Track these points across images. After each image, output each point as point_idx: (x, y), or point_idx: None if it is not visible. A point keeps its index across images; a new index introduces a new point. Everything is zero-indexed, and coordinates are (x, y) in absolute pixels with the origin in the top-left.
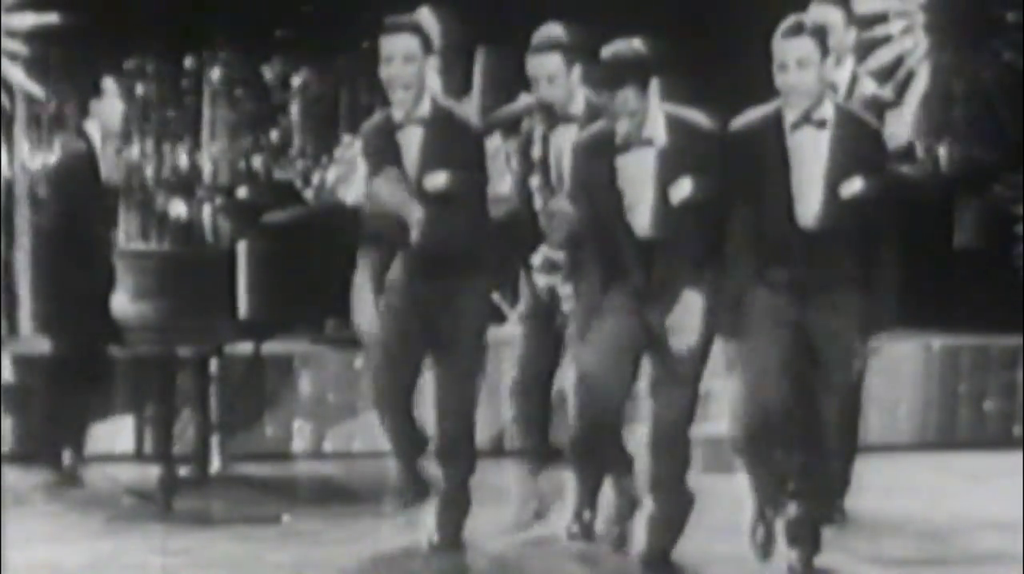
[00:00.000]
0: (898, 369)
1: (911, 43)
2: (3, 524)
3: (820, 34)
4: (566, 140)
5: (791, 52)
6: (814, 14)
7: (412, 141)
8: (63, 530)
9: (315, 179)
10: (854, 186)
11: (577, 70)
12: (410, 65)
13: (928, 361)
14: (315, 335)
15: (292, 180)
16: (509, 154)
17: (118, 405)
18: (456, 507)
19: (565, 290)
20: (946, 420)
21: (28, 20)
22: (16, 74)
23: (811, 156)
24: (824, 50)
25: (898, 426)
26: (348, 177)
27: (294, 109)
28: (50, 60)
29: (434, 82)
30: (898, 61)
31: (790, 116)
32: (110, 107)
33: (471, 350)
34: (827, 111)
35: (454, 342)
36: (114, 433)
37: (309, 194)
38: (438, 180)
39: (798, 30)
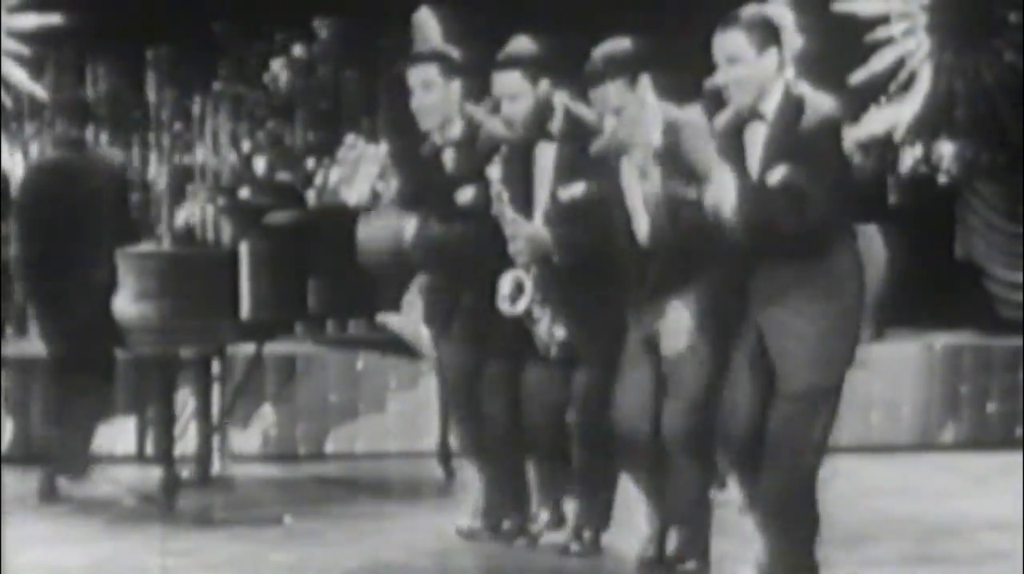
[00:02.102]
0: (900, 369)
1: (913, 44)
2: (4, 525)
3: (757, 27)
4: (542, 158)
5: (720, 48)
6: (761, 9)
7: (449, 160)
8: (64, 531)
9: (318, 180)
10: (778, 173)
11: (545, 84)
12: (429, 93)
13: (930, 361)
14: (317, 336)
15: (294, 181)
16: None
17: (120, 406)
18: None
19: (538, 313)
20: (948, 420)
21: (31, 20)
22: (18, 74)
23: (754, 150)
24: (763, 42)
25: (900, 426)
26: (351, 178)
27: (297, 110)
28: (52, 60)
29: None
30: (900, 62)
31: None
32: None
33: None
34: (771, 104)
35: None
36: (116, 434)
37: (311, 195)
38: (465, 195)
39: (728, 24)
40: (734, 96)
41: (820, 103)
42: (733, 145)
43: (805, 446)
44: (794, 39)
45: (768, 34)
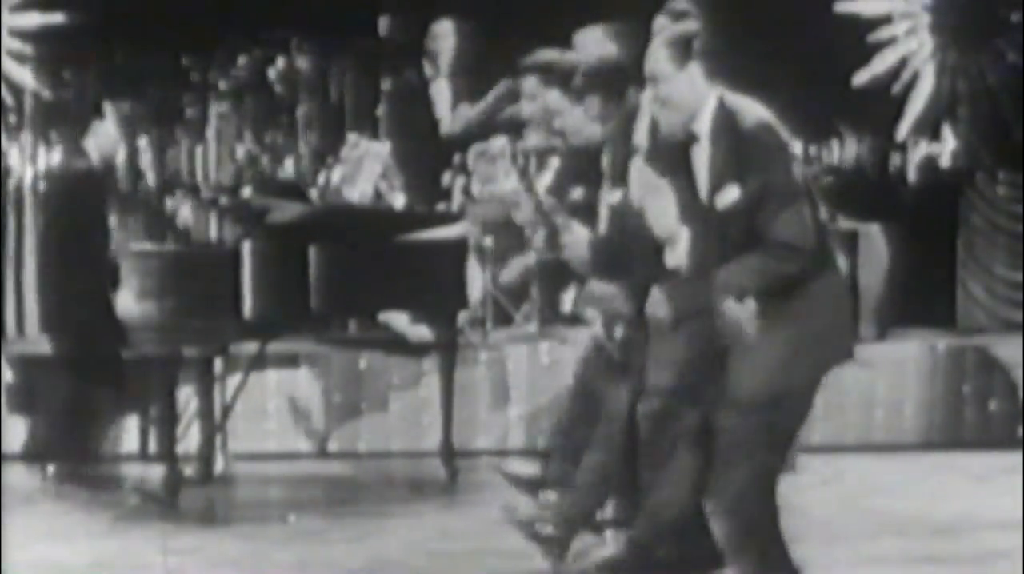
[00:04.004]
0: (903, 369)
1: (916, 44)
2: (8, 523)
3: (675, 43)
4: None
5: (646, 66)
6: (682, 24)
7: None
8: (68, 529)
9: (320, 179)
10: (730, 195)
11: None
12: (529, 103)
13: (933, 361)
14: (320, 335)
15: (297, 180)
16: (516, 154)
17: (123, 405)
18: None
19: (592, 316)
20: (951, 420)
21: (33, 20)
22: (21, 73)
23: (700, 172)
24: (682, 58)
25: (903, 425)
26: (353, 177)
27: (299, 109)
28: (55, 61)
29: (443, 91)
30: (903, 62)
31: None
32: (106, 133)
33: None
34: (704, 122)
35: None
36: (119, 433)
37: (314, 194)
38: (576, 194)
39: (652, 42)
40: (661, 116)
41: (752, 112)
42: (681, 166)
43: (752, 450)
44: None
45: (688, 48)
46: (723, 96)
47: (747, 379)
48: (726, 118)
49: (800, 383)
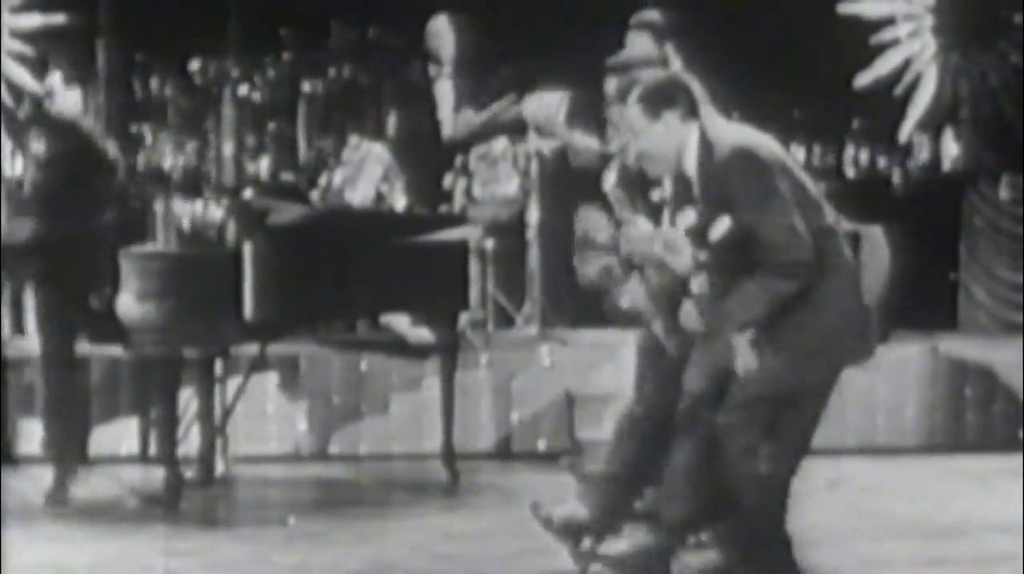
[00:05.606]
0: (905, 372)
1: (919, 46)
2: (8, 525)
3: (646, 97)
4: None
5: (625, 120)
6: (652, 76)
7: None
8: (68, 531)
9: (322, 181)
10: (721, 227)
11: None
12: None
13: (935, 364)
14: (321, 337)
15: (298, 182)
16: (516, 156)
17: (123, 407)
18: None
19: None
20: (952, 422)
21: (34, 20)
22: (22, 75)
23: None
24: (655, 110)
25: (905, 428)
26: (355, 179)
27: (301, 110)
28: (55, 59)
29: (447, 92)
30: (906, 64)
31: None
32: (65, 100)
33: None
34: (690, 162)
35: None
36: (119, 435)
37: (315, 196)
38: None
39: (620, 96)
40: (646, 167)
41: (726, 143)
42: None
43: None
44: (695, 91)
45: (659, 99)
46: (703, 131)
47: (754, 382)
48: (706, 154)
49: (812, 383)
